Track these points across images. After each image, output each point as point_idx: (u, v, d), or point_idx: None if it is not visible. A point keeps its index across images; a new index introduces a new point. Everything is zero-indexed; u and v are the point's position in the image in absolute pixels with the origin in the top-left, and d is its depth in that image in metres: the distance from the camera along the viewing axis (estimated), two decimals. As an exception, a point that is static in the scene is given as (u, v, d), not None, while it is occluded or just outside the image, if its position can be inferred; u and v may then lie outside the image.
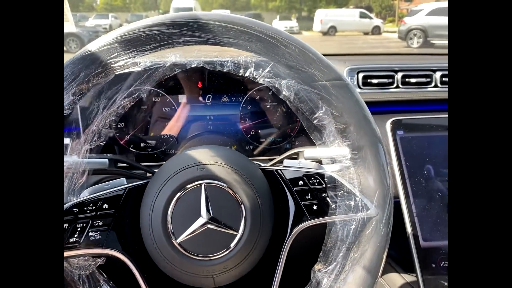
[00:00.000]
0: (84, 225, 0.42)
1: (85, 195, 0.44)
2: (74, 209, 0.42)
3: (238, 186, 0.42)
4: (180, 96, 0.69)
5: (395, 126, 0.67)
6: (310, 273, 0.45)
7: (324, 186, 0.47)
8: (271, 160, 0.59)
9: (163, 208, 0.41)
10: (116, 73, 0.42)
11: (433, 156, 0.67)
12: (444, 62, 0.89)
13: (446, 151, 0.67)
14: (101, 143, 0.47)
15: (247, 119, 0.71)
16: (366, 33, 14.22)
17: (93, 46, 0.41)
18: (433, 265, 0.60)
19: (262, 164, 0.58)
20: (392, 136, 0.67)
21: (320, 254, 0.45)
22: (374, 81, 0.81)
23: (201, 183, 0.42)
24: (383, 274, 0.70)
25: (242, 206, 0.42)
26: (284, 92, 0.44)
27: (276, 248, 0.46)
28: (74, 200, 0.43)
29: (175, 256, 0.41)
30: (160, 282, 0.44)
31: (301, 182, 0.48)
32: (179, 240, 0.41)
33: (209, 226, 0.41)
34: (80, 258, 0.43)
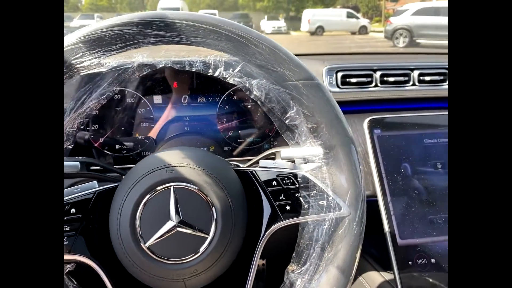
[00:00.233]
0: None
1: None
2: None
3: (208, 188, 0.41)
4: (155, 97, 0.68)
5: (373, 125, 0.68)
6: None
7: (297, 186, 0.46)
8: (250, 160, 0.58)
9: (131, 211, 0.40)
10: (81, 73, 0.41)
11: (410, 154, 0.67)
12: (422, 61, 0.90)
13: (422, 149, 0.68)
14: (69, 146, 0.46)
15: (224, 119, 0.71)
16: (353, 33, 14.35)
17: None
18: (410, 262, 0.61)
19: (241, 165, 0.58)
20: (369, 135, 0.67)
21: (293, 255, 0.44)
22: (353, 80, 0.82)
23: (170, 186, 0.41)
24: (362, 272, 0.70)
25: (213, 208, 0.41)
26: (255, 92, 0.44)
27: (250, 250, 0.45)
28: None
29: (144, 261, 0.40)
30: (129, 287, 0.43)
31: (275, 183, 0.47)
32: (147, 244, 0.40)
33: (178, 229, 0.40)
34: None
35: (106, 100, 0.47)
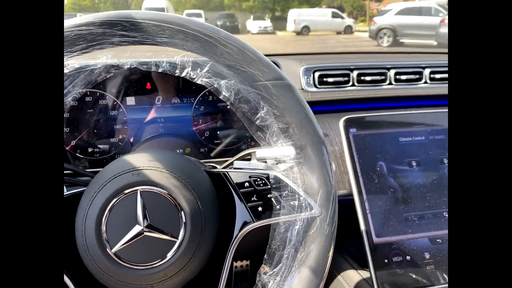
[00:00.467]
0: None
1: None
2: None
3: (177, 191, 0.41)
4: (128, 98, 0.66)
5: (348, 124, 0.68)
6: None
7: (269, 187, 0.46)
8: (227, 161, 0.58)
9: (97, 216, 0.39)
10: None
11: (385, 153, 0.68)
12: (398, 60, 0.91)
13: (397, 147, 0.69)
14: None
15: (200, 120, 0.70)
16: (338, 33, 14.47)
17: None
18: (386, 260, 0.61)
19: (218, 166, 0.57)
20: (345, 134, 0.67)
21: (265, 256, 0.44)
22: (330, 80, 0.82)
23: (136, 189, 0.40)
24: (341, 271, 0.71)
25: (182, 212, 0.40)
26: (223, 93, 0.43)
27: (222, 253, 0.45)
28: None
29: (110, 267, 0.39)
30: None
31: (247, 184, 0.47)
32: (114, 249, 0.39)
33: (146, 233, 0.39)
34: None
35: (75, 102, 0.45)
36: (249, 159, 0.56)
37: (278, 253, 0.44)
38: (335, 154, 0.73)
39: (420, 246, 0.63)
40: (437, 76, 0.88)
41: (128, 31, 0.40)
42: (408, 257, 0.62)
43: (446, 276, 0.62)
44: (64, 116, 0.64)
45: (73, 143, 0.65)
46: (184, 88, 0.69)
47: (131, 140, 0.68)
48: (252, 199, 0.46)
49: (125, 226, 0.39)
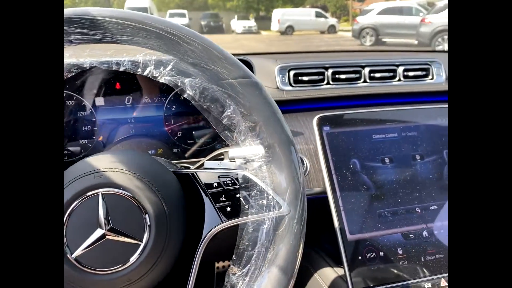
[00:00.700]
0: None
1: None
2: None
3: (140, 193, 0.40)
4: (97, 99, 0.65)
5: (322, 122, 0.68)
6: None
7: (238, 186, 0.45)
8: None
9: None
10: None
11: (359, 150, 0.68)
12: (372, 58, 0.92)
13: (371, 144, 0.69)
14: None
15: (172, 120, 0.69)
16: (322, 32, 14.62)
17: None
18: (360, 257, 0.62)
19: (192, 167, 0.56)
20: (318, 132, 0.67)
21: (233, 257, 0.44)
22: (305, 78, 0.82)
23: (98, 192, 0.39)
24: (317, 269, 0.71)
25: (146, 214, 0.39)
26: (188, 91, 0.42)
27: (191, 255, 0.44)
28: None
29: (71, 272, 0.38)
30: None
31: (216, 184, 0.46)
32: (74, 254, 0.38)
33: (108, 237, 0.38)
34: None
35: None
36: (222, 159, 0.56)
37: (247, 253, 0.43)
38: (310, 152, 0.73)
39: (393, 242, 0.64)
40: (411, 73, 0.89)
41: (87, 28, 0.39)
42: (381, 253, 0.63)
43: (419, 271, 0.63)
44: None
45: (39, 145, 0.63)
46: (154, 88, 0.67)
47: (104, 141, 0.66)
48: (221, 199, 0.45)
49: (86, 229, 0.38)
